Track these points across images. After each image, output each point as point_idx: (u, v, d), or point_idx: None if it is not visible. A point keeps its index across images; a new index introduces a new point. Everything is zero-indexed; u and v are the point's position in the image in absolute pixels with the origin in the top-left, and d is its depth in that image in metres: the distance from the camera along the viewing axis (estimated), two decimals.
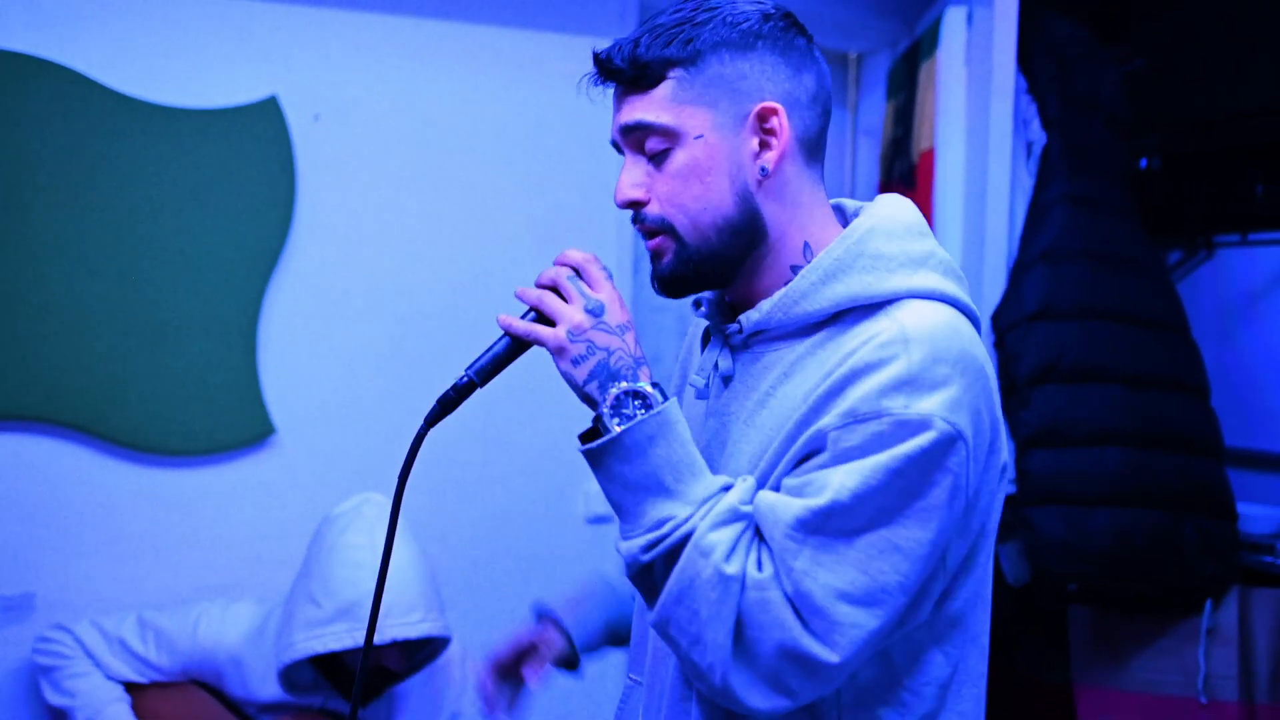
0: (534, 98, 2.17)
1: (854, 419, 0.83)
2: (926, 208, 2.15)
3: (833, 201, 0.98)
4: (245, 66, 1.97)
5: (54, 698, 1.76)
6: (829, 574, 0.82)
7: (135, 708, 1.76)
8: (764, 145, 0.90)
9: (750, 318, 0.93)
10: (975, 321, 0.93)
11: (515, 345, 0.93)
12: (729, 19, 0.89)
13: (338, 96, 2.03)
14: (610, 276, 0.92)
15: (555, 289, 0.91)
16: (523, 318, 0.92)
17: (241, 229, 1.97)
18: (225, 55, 1.95)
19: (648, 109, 0.89)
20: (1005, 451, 0.91)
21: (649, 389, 0.88)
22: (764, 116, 0.90)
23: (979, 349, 0.88)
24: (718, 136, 0.89)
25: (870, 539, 0.82)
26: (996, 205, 1.99)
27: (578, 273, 0.91)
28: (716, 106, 0.89)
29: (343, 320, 2.07)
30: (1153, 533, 1.95)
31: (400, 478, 0.91)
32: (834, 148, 2.72)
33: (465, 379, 0.92)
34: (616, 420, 0.87)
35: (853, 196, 2.68)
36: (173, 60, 1.92)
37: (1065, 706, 2.20)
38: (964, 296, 0.92)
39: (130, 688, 1.78)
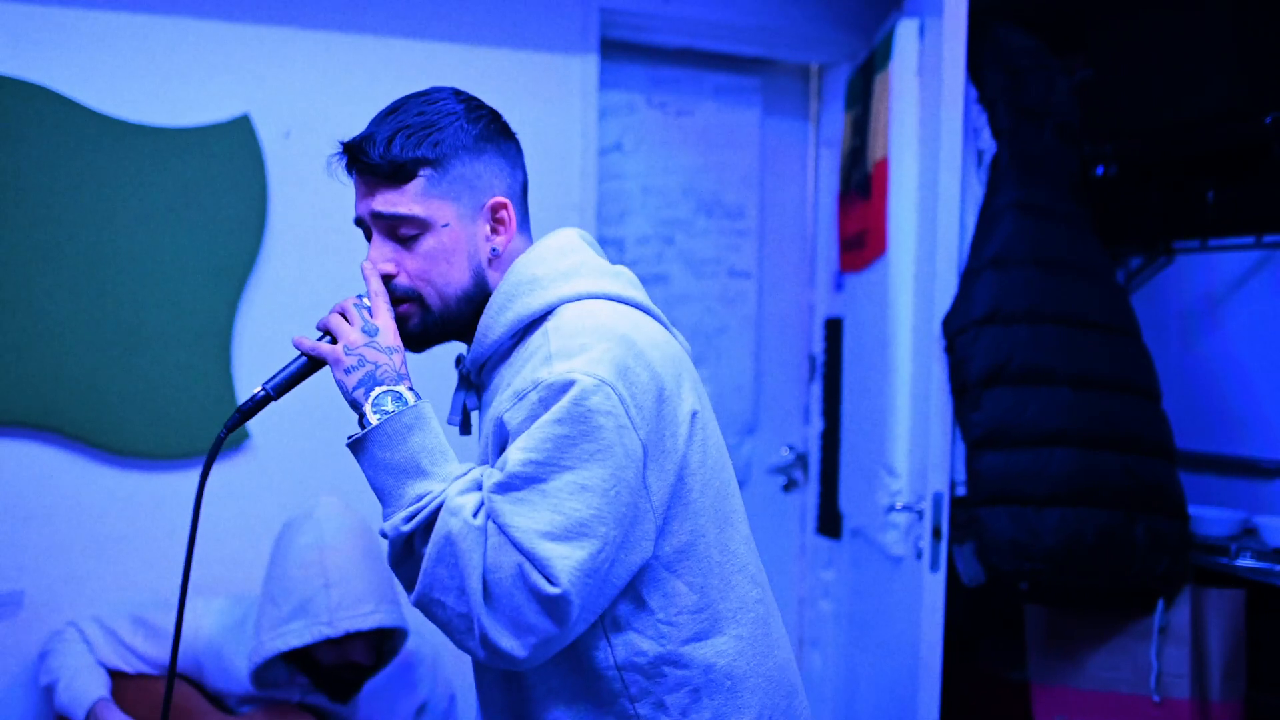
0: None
1: (518, 398, 1.01)
2: (881, 215, 2.20)
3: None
4: (218, 86, 2.05)
5: (44, 677, 1.84)
6: (528, 520, 0.96)
7: (121, 696, 1.83)
8: (495, 230, 1.12)
9: (468, 357, 1.13)
10: (637, 305, 1.11)
11: (309, 363, 1.09)
12: (464, 126, 1.10)
13: (308, 114, 2.11)
14: (392, 309, 1.10)
15: (344, 315, 1.09)
16: (318, 340, 1.09)
17: (216, 242, 2.05)
18: (199, 75, 2.04)
19: (400, 201, 1.08)
20: (694, 401, 1.08)
21: (406, 391, 1.05)
22: (495, 209, 1.12)
23: (626, 323, 1.05)
24: (459, 225, 1.10)
25: (558, 485, 0.97)
26: (948, 212, 2.02)
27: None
28: (459, 200, 1.09)
29: (313, 328, 2.15)
30: (1102, 532, 1.97)
31: (201, 478, 1.05)
32: (796, 159, 2.77)
33: (261, 393, 1.07)
34: (377, 415, 1.03)
35: (815, 206, 2.76)
36: (149, 81, 2.00)
37: (1024, 704, 2.23)
38: (619, 290, 1.11)
39: (119, 677, 1.86)
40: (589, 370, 0.98)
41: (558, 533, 0.95)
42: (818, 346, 2.76)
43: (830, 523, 2.65)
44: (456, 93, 1.14)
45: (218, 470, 2.08)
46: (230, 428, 1.06)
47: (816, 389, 2.75)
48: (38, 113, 1.91)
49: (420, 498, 1.01)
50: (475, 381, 1.15)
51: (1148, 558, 2.00)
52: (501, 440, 1.03)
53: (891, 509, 2.12)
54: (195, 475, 2.07)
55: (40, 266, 1.93)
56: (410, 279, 1.10)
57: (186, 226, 2.03)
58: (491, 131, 1.12)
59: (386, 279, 1.10)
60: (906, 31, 2.13)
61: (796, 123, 2.75)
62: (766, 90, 2.71)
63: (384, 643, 1.80)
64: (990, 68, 2.14)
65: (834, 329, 2.65)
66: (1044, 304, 2.03)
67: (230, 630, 1.84)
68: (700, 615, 1.05)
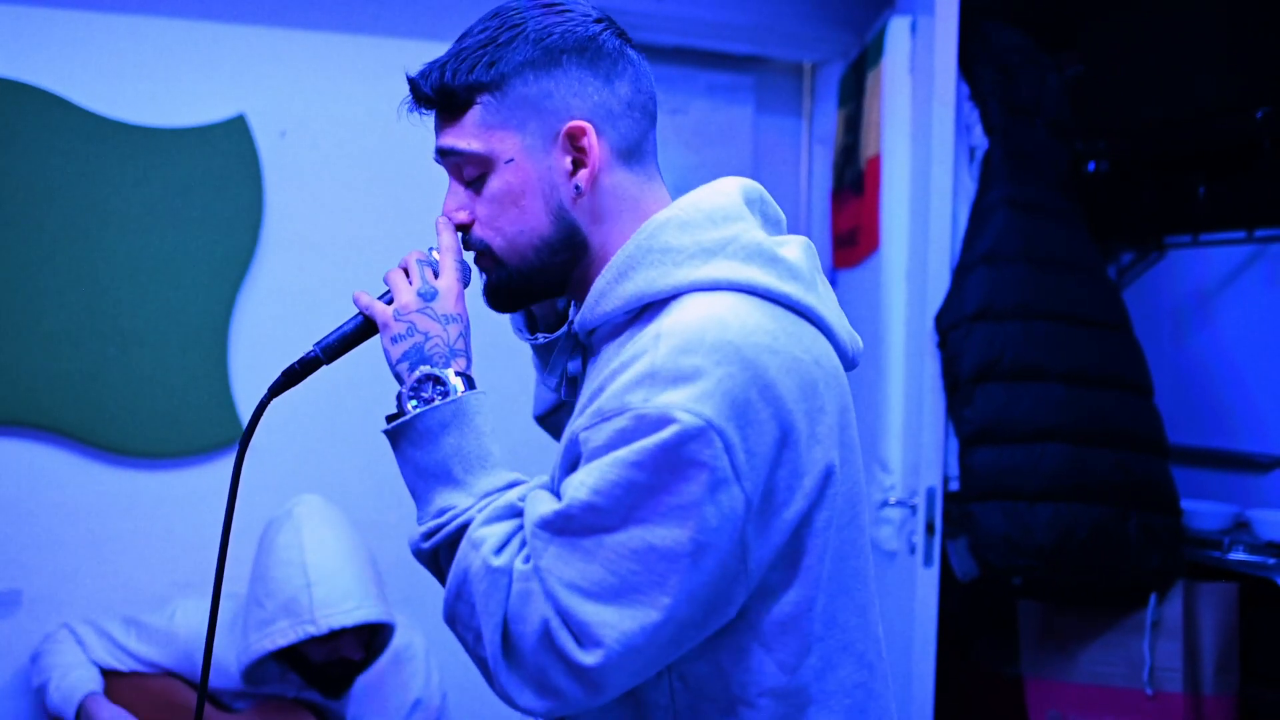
0: None
1: (600, 418, 0.81)
2: (874, 212, 2.21)
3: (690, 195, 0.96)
4: (214, 86, 2.05)
5: (36, 678, 1.85)
6: (573, 572, 0.79)
7: (114, 694, 1.83)
8: (577, 164, 0.90)
9: (575, 318, 0.94)
10: (791, 304, 0.88)
11: (364, 324, 0.95)
12: (532, 35, 0.88)
13: (304, 114, 2.11)
14: (465, 270, 0.95)
15: (407, 270, 0.94)
16: (380, 298, 0.94)
17: (212, 241, 2.05)
18: (194, 76, 2.04)
19: (459, 136, 0.90)
20: (830, 445, 0.86)
21: (452, 377, 0.89)
22: (574, 136, 0.89)
23: (762, 336, 0.82)
24: (528, 159, 0.89)
25: (619, 538, 0.79)
26: (940, 209, 2.04)
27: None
28: (524, 129, 0.89)
29: (309, 327, 2.10)
30: (1095, 527, 1.98)
31: (241, 443, 0.94)
32: (789, 157, 2.78)
33: (311, 354, 0.94)
34: (414, 403, 0.89)
35: (808, 204, 2.76)
36: (144, 81, 2.01)
37: (1018, 699, 2.24)
38: (769, 282, 0.87)
39: (112, 675, 1.86)
40: (693, 408, 0.77)
41: (604, 594, 0.78)
42: None
43: None
44: (546, 2, 0.91)
45: (213, 469, 2.09)
46: (275, 391, 0.93)
47: None
48: (33, 114, 1.92)
49: (443, 512, 0.87)
50: (584, 342, 0.95)
51: (1140, 553, 2.01)
52: (572, 460, 0.84)
53: (885, 504, 2.13)
54: (191, 474, 2.08)
55: (36, 267, 1.93)
56: (481, 228, 0.92)
57: (182, 226, 2.03)
58: (573, 40, 0.88)
59: (463, 230, 0.93)
60: (898, 29, 2.14)
61: (789, 120, 2.76)
62: (759, 88, 2.72)
63: (373, 637, 1.82)
64: (982, 65, 2.15)
65: None
66: (1036, 300, 2.04)
67: (224, 629, 1.85)
68: (786, 700, 0.86)
